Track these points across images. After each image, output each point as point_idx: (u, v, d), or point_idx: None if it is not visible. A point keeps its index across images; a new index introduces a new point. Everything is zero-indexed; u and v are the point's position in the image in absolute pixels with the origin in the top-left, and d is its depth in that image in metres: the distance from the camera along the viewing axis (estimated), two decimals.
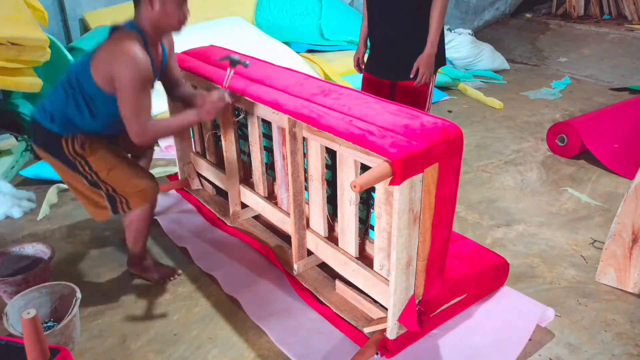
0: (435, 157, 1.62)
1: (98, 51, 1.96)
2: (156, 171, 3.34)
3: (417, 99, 2.54)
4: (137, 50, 1.87)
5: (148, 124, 1.97)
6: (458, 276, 2.00)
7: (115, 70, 1.87)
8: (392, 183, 1.55)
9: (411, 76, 2.49)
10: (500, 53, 5.65)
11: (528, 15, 7.33)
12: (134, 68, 1.85)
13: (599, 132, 3.47)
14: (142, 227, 2.22)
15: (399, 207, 1.59)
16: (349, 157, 1.84)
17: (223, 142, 2.53)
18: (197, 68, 2.51)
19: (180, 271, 2.38)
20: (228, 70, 2.17)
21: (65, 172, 2.13)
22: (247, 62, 2.19)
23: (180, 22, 1.99)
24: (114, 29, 1.97)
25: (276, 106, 2.01)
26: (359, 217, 1.96)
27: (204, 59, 2.60)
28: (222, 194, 2.76)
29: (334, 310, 2.05)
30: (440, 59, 2.57)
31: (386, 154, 1.55)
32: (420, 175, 1.62)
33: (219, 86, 2.22)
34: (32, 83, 3.24)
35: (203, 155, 2.92)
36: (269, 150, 2.47)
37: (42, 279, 2.20)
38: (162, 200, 2.86)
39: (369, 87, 2.67)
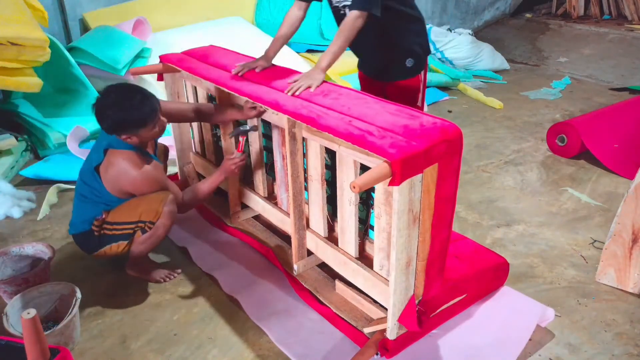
0: (435, 157, 1.62)
1: (108, 171, 2.12)
2: None
3: (407, 96, 2.48)
4: (142, 164, 2.10)
5: (185, 200, 2.26)
6: (458, 276, 2.00)
7: (141, 190, 2.14)
8: (391, 183, 1.55)
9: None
10: (500, 53, 5.64)
11: (528, 15, 7.33)
12: (144, 183, 2.11)
13: (599, 132, 3.47)
14: (161, 235, 2.24)
15: (399, 208, 1.59)
16: (348, 157, 1.85)
17: (223, 143, 2.53)
18: (196, 68, 2.51)
19: (179, 270, 2.38)
20: (240, 139, 2.36)
21: (114, 248, 2.25)
22: (254, 126, 2.38)
23: (158, 134, 2.18)
24: (109, 149, 2.13)
25: (275, 106, 2.01)
26: (359, 217, 1.96)
27: (203, 59, 2.60)
28: (222, 194, 2.76)
29: (334, 311, 2.05)
30: (417, 57, 2.42)
31: (385, 154, 1.55)
32: (419, 176, 1.61)
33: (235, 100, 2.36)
34: (32, 83, 3.24)
35: (203, 156, 2.92)
36: (268, 150, 2.47)
37: (42, 279, 2.20)
38: None
39: (364, 83, 2.65)
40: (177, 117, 2.48)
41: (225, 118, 2.44)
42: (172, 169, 3.32)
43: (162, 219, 2.17)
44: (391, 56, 2.39)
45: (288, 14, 2.34)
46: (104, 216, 2.21)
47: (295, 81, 2.09)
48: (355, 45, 2.32)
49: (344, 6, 2.27)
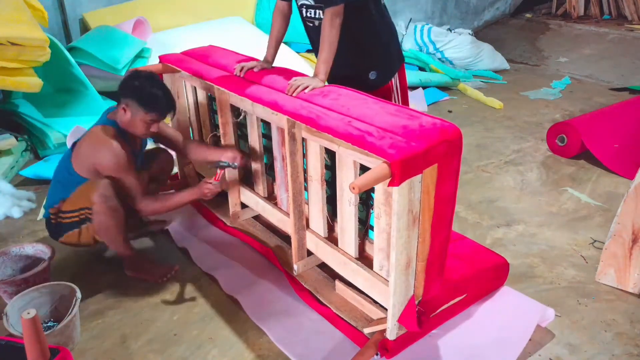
0: (434, 157, 1.62)
1: (79, 145, 2.24)
2: None
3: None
4: (113, 140, 2.16)
5: (142, 202, 2.24)
6: (458, 276, 2.00)
7: (98, 162, 2.17)
8: (391, 184, 1.55)
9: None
10: (500, 53, 5.64)
11: (528, 15, 7.33)
12: (111, 155, 2.15)
13: (599, 132, 3.47)
14: (104, 221, 2.19)
15: (398, 208, 1.59)
16: (348, 157, 1.85)
17: (223, 143, 2.53)
18: (196, 69, 2.51)
19: (177, 266, 2.37)
20: (219, 171, 2.37)
21: (71, 236, 2.30)
22: (235, 164, 2.42)
23: (143, 134, 2.25)
24: (95, 125, 2.26)
25: (275, 107, 2.01)
26: (359, 218, 1.96)
27: (203, 60, 2.60)
28: (222, 194, 2.76)
29: (334, 311, 2.05)
30: (383, 68, 2.38)
31: (385, 155, 1.55)
32: (419, 176, 1.61)
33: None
34: (32, 83, 3.24)
35: None
36: (268, 150, 2.47)
37: (42, 279, 2.20)
38: None
39: None
40: (169, 141, 2.56)
41: (207, 159, 2.52)
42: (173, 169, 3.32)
43: (94, 206, 2.16)
44: (353, 70, 2.33)
45: (274, 13, 2.35)
46: (59, 205, 2.28)
47: (295, 81, 2.08)
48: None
49: (302, 5, 2.24)
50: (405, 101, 2.49)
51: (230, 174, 2.55)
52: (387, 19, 2.37)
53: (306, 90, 2.03)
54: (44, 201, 2.97)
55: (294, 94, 2.03)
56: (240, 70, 2.30)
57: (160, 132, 2.43)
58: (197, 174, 2.99)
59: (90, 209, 2.19)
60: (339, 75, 2.25)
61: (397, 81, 2.42)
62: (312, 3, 2.19)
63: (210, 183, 2.32)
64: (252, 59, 2.49)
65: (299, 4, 2.27)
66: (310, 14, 2.25)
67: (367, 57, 2.33)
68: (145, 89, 2.17)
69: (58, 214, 2.28)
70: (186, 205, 2.39)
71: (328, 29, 2.07)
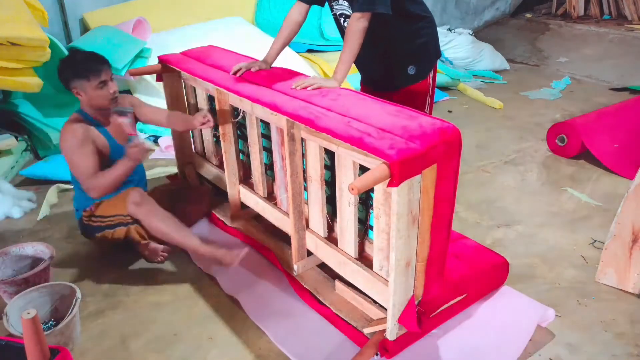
0: (434, 158, 1.62)
1: None
2: (156, 171, 3.34)
3: (415, 102, 2.41)
4: (68, 124, 2.27)
5: (91, 182, 2.27)
6: (458, 276, 2.00)
7: (61, 146, 2.29)
8: (390, 185, 1.55)
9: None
10: (500, 53, 5.64)
11: (528, 15, 7.32)
12: (63, 138, 2.26)
13: (599, 132, 3.47)
14: (157, 232, 2.32)
15: (398, 209, 1.59)
16: (347, 158, 1.84)
17: (222, 143, 2.53)
18: (195, 69, 2.51)
19: (247, 248, 2.37)
20: (125, 121, 2.34)
21: (104, 235, 2.41)
22: (130, 109, 2.42)
23: (106, 99, 2.31)
24: None
25: (274, 107, 2.01)
26: (359, 218, 1.96)
27: (202, 60, 2.60)
28: (222, 194, 2.76)
29: (334, 311, 2.05)
30: (421, 61, 2.37)
31: (384, 155, 1.55)
32: (418, 177, 1.61)
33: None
34: (32, 83, 3.24)
35: (203, 155, 2.92)
36: (268, 150, 2.47)
37: (42, 279, 2.20)
38: None
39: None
40: (152, 116, 2.58)
41: (176, 126, 2.64)
42: (172, 169, 3.33)
43: (136, 216, 2.32)
44: (390, 66, 2.34)
45: (288, 17, 2.33)
46: (92, 209, 2.39)
47: (311, 78, 2.10)
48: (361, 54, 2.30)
49: (341, 15, 2.25)
50: (433, 94, 2.48)
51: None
52: (425, 15, 2.33)
53: (309, 89, 2.04)
54: (43, 202, 2.98)
55: (298, 88, 2.05)
56: (237, 71, 2.31)
57: (138, 110, 2.52)
58: (197, 173, 2.99)
59: (125, 215, 2.34)
60: (378, 72, 2.32)
61: (433, 75, 2.42)
62: (351, 12, 2.17)
63: (133, 146, 2.25)
64: (252, 59, 2.49)
65: (338, 13, 2.27)
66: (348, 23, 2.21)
67: (405, 55, 2.33)
68: (72, 64, 2.27)
69: (91, 217, 2.40)
70: (129, 173, 2.31)
71: (352, 31, 2.08)
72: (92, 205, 2.39)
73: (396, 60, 2.33)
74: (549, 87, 5.06)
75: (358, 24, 2.08)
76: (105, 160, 2.33)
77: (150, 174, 3.35)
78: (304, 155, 2.11)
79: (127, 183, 2.36)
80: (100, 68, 2.26)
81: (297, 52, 4.49)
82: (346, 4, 2.22)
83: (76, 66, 2.26)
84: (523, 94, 4.88)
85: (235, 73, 2.32)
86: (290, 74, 2.31)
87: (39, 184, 3.21)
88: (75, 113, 2.35)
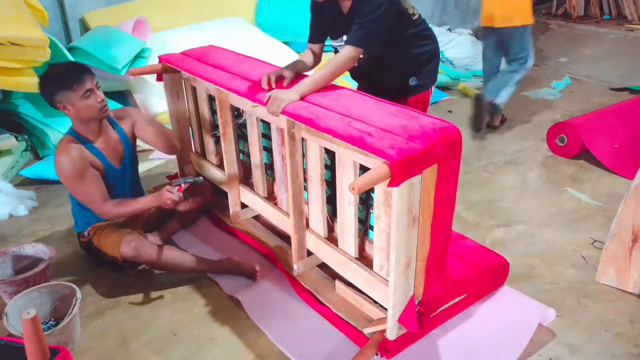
0: (434, 158, 1.62)
1: None
2: (156, 171, 3.34)
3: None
4: (62, 153, 2.16)
5: (103, 209, 2.21)
6: (458, 276, 2.00)
7: (58, 174, 2.19)
8: (390, 185, 1.55)
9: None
10: None
11: None
12: (61, 169, 2.16)
13: (599, 132, 3.47)
14: (166, 268, 2.31)
15: (398, 209, 1.59)
16: (347, 158, 1.84)
17: (222, 143, 2.53)
18: (195, 69, 2.51)
19: (258, 267, 2.33)
20: (183, 184, 2.24)
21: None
22: (200, 179, 2.35)
23: (95, 109, 2.19)
24: None
25: None
26: (359, 218, 1.96)
27: (203, 60, 2.60)
28: (222, 194, 2.76)
29: (334, 311, 2.05)
30: (423, 74, 2.36)
31: (384, 155, 1.55)
32: (419, 177, 1.61)
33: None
34: (32, 83, 3.23)
35: (203, 156, 2.92)
36: (268, 150, 2.47)
37: (42, 279, 2.20)
38: None
39: None
40: (146, 138, 2.44)
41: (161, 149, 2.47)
42: (172, 169, 3.33)
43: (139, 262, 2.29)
44: (392, 81, 2.33)
45: (305, 51, 2.36)
46: (90, 236, 2.36)
47: (269, 97, 2.01)
48: (352, 73, 2.29)
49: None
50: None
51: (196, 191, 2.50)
52: (426, 34, 2.32)
53: (278, 114, 1.97)
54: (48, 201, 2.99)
55: (277, 114, 1.98)
56: (268, 82, 2.14)
57: (136, 126, 2.41)
58: (197, 173, 2.99)
59: (115, 258, 2.28)
60: (382, 85, 2.30)
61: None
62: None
63: (172, 194, 2.18)
64: (252, 59, 2.49)
65: (339, 49, 2.26)
66: None
67: (404, 71, 2.32)
68: (53, 77, 2.16)
69: (91, 243, 2.37)
70: (146, 210, 2.35)
71: (341, 60, 2.06)
72: (89, 229, 2.36)
73: (398, 75, 2.33)
74: (549, 87, 5.06)
75: (348, 53, 2.06)
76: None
77: (150, 173, 3.35)
78: (304, 155, 2.11)
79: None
80: (84, 76, 2.14)
81: (298, 52, 4.49)
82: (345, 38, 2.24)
83: (58, 78, 2.15)
84: (523, 94, 4.87)
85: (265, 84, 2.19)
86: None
87: (39, 184, 3.21)
88: (66, 135, 2.25)
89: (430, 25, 2.38)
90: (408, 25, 2.23)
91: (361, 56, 2.19)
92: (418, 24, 2.28)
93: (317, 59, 2.37)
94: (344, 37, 2.25)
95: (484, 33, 4.13)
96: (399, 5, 2.14)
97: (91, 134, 2.26)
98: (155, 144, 2.44)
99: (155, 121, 2.50)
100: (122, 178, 2.38)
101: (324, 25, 2.30)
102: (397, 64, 2.30)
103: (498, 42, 4.01)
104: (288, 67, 2.23)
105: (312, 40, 2.36)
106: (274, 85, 2.10)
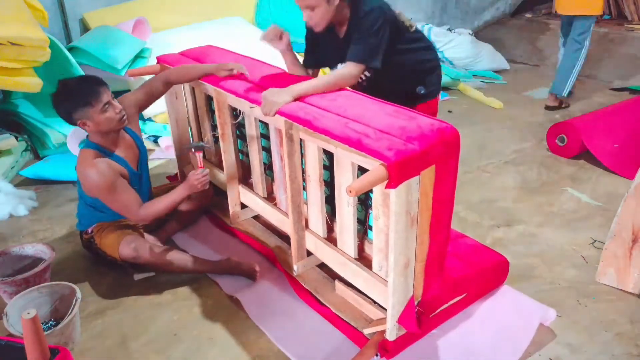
0: (432, 159, 1.62)
1: (77, 173, 2.23)
2: (155, 171, 3.34)
3: None
4: (90, 167, 2.14)
5: (140, 213, 2.22)
6: (458, 275, 2.00)
7: (88, 188, 2.19)
8: (388, 186, 1.54)
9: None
10: (500, 53, 5.64)
11: (528, 15, 7.32)
12: (92, 183, 2.14)
13: (599, 132, 3.47)
14: (164, 268, 2.30)
15: (396, 210, 1.59)
16: (345, 159, 1.84)
17: (222, 143, 2.53)
18: None
19: (257, 266, 2.34)
20: (197, 155, 2.29)
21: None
22: (207, 142, 2.36)
23: (114, 121, 2.18)
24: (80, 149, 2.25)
25: None
26: (358, 218, 1.96)
27: (201, 60, 2.60)
28: (222, 194, 2.76)
29: (334, 311, 2.06)
30: (429, 84, 2.37)
31: (382, 157, 1.55)
32: (417, 178, 1.61)
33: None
34: (32, 83, 3.24)
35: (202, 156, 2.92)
36: (267, 150, 2.47)
37: (42, 279, 2.20)
38: None
39: None
40: (149, 97, 2.46)
41: (197, 76, 2.44)
42: (172, 169, 3.33)
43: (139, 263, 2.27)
44: (403, 88, 2.31)
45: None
46: (92, 233, 2.35)
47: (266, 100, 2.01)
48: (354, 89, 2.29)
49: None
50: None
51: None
52: (425, 45, 2.32)
53: (271, 115, 1.98)
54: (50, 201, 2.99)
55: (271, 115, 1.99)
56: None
57: (141, 103, 2.43)
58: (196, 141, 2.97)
59: (115, 258, 2.29)
60: (388, 92, 2.24)
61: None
62: None
63: (196, 174, 2.21)
64: (251, 59, 2.49)
65: None
66: None
67: (412, 83, 2.31)
68: (68, 95, 2.12)
69: (92, 241, 2.37)
70: (181, 203, 2.33)
71: (342, 76, 2.04)
72: (93, 227, 2.36)
73: (405, 87, 2.31)
74: (549, 87, 5.05)
75: (351, 70, 2.05)
76: None
77: (150, 173, 3.35)
78: (302, 156, 2.11)
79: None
80: (99, 90, 2.12)
81: (298, 53, 4.49)
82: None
83: (72, 95, 2.11)
84: (525, 94, 4.88)
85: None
86: (287, 75, 2.31)
87: (39, 184, 3.21)
88: (86, 149, 2.20)
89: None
90: (406, 39, 2.21)
91: (363, 77, 2.19)
92: (416, 38, 2.28)
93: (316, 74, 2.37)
94: (339, 66, 2.24)
95: (564, 23, 4.56)
96: (395, 20, 2.12)
97: (111, 144, 2.26)
98: (156, 93, 2.47)
99: (140, 88, 2.49)
100: (140, 180, 2.40)
101: (319, 54, 2.29)
102: (399, 77, 2.27)
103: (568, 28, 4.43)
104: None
105: (306, 64, 2.35)
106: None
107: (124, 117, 2.22)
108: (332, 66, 2.32)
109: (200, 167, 2.26)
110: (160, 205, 2.25)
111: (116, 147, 2.28)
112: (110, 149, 2.25)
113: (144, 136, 3.74)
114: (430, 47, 2.37)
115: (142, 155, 2.43)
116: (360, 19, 2.03)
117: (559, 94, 4.39)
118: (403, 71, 2.27)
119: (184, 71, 2.46)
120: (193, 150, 2.31)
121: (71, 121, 2.16)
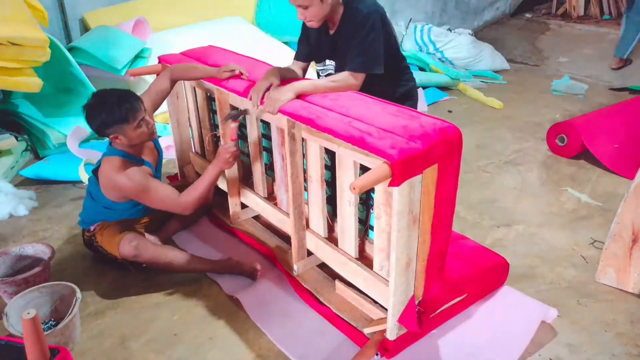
0: (435, 158, 1.62)
1: (100, 176, 2.24)
2: None
3: None
4: (119, 173, 2.15)
5: (181, 202, 2.22)
6: (458, 276, 2.00)
7: (126, 193, 2.20)
8: (391, 184, 1.55)
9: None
10: (500, 53, 5.63)
11: (528, 15, 7.32)
12: (126, 188, 2.17)
13: (599, 132, 3.47)
14: (164, 268, 2.29)
15: (398, 208, 1.59)
16: (348, 158, 1.84)
17: (222, 143, 2.53)
18: None
19: (259, 266, 2.34)
20: (232, 125, 2.26)
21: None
22: (244, 110, 2.28)
23: (146, 135, 2.21)
24: (104, 157, 2.25)
25: None
26: (359, 218, 1.96)
27: (202, 60, 2.60)
28: (222, 194, 2.76)
29: (334, 311, 2.05)
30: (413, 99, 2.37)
31: (385, 155, 1.55)
32: (419, 176, 1.61)
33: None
34: (32, 83, 3.24)
35: (202, 156, 2.92)
36: (268, 150, 2.47)
37: (42, 279, 2.20)
38: None
39: None
40: (160, 97, 2.48)
41: (198, 77, 2.47)
42: (172, 170, 3.33)
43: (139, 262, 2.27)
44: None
45: (292, 66, 2.32)
46: (94, 231, 2.35)
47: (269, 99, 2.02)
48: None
49: (328, 75, 2.22)
50: None
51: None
52: (406, 65, 2.34)
53: (273, 113, 1.99)
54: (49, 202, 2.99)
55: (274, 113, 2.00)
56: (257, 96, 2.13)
57: (153, 104, 2.41)
58: (197, 173, 2.99)
59: (115, 256, 2.30)
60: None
61: None
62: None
63: (227, 148, 2.21)
64: (252, 59, 2.48)
65: (324, 74, 2.26)
66: None
67: (398, 95, 2.31)
68: (107, 110, 2.11)
69: (93, 238, 2.37)
70: (217, 179, 2.32)
71: (343, 83, 2.05)
72: (96, 225, 2.36)
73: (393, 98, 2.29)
74: (549, 87, 5.05)
75: (351, 79, 2.05)
76: None
77: None
78: (304, 155, 2.11)
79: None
80: (137, 106, 2.14)
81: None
82: (333, 64, 2.24)
83: (111, 110, 2.10)
84: (524, 95, 4.88)
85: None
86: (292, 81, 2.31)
87: (39, 184, 3.21)
88: (113, 156, 2.20)
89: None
90: (394, 50, 2.21)
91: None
92: (402, 57, 2.30)
93: (306, 70, 2.36)
94: (327, 62, 2.26)
95: None
96: (389, 26, 2.12)
97: (138, 151, 2.29)
98: (165, 91, 2.48)
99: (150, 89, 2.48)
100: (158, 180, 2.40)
101: (311, 45, 2.28)
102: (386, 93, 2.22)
103: None
104: (278, 72, 2.17)
105: (297, 56, 2.33)
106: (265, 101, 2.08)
107: (155, 131, 2.25)
108: (319, 61, 2.32)
109: (233, 140, 2.21)
110: (199, 188, 2.24)
111: (142, 153, 2.32)
112: (136, 155, 2.28)
113: None
114: (410, 71, 2.38)
115: (160, 156, 2.47)
116: (358, 23, 2.03)
117: (622, 56, 5.30)
118: (386, 91, 2.23)
119: (186, 69, 2.48)
120: (231, 119, 2.24)
121: (102, 133, 2.17)
